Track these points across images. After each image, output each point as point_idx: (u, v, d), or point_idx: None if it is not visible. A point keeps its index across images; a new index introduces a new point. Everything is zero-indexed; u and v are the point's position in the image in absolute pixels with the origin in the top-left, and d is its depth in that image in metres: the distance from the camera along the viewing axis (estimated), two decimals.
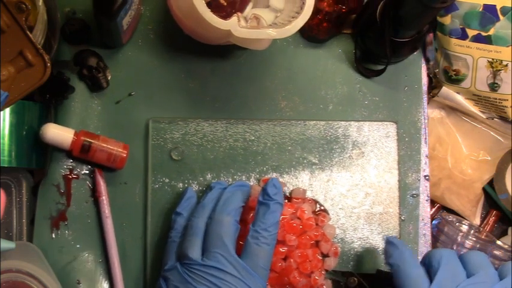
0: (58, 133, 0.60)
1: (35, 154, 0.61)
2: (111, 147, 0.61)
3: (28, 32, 0.52)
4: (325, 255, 0.63)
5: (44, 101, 0.62)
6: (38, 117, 0.62)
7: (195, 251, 0.55)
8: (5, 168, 0.58)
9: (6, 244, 0.53)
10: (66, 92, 0.63)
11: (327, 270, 0.63)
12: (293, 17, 0.56)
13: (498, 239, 0.70)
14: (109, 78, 0.64)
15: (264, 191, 0.57)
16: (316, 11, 0.63)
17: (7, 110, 0.58)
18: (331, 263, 0.63)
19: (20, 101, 0.55)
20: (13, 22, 0.51)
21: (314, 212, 0.64)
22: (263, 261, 0.55)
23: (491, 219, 0.74)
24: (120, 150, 0.61)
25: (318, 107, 0.67)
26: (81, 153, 0.60)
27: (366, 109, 0.68)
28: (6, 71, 0.51)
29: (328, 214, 0.65)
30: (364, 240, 0.65)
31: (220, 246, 0.54)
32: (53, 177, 0.62)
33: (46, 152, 0.63)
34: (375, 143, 0.67)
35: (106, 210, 0.62)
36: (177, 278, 0.55)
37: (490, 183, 0.73)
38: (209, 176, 0.64)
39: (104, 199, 0.62)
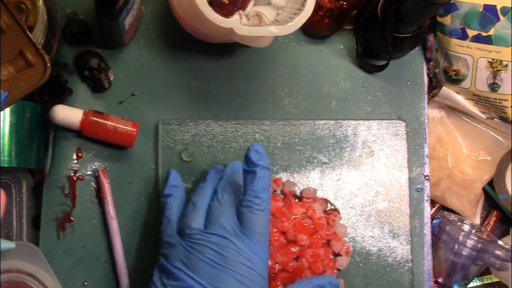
0: (67, 113, 0.60)
1: (35, 154, 0.61)
2: (121, 125, 0.61)
3: (28, 32, 0.52)
4: (337, 255, 0.63)
5: (43, 102, 0.62)
6: (38, 117, 0.61)
7: (198, 221, 0.54)
8: (5, 168, 0.58)
9: (6, 244, 0.52)
10: (63, 94, 0.62)
11: (338, 270, 0.63)
12: (295, 14, 0.56)
13: (499, 239, 0.70)
14: (111, 78, 0.64)
15: (248, 158, 0.55)
16: (318, 7, 0.63)
17: (7, 110, 0.58)
18: (343, 262, 0.63)
19: (20, 101, 0.55)
20: (13, 22, 0.51)
21: (325, 211, 0.64)
22: (259, 227, 0.54)
23: (493, 219, 0.74)
24: (129, 128, 0.61)
25: (321, 104, 0.67)
26: (90, 132, 0.60)
27: (369, 105, 0.68)
28: (6, 71, 0.51)
29: (339, 213, 0.65)
30: (375, 238, 0.65)
31: (222, 218, 0.54)
32: (56, 179, 0.61)
33: (46, 152, 0.62)
34: (384, 141, 0.67)
35: (111, 211, 0.61)
36: (179, 252, 0.54)
37: (490, 183, 0.73)
38: None
39: (108, 199, 0.61)
